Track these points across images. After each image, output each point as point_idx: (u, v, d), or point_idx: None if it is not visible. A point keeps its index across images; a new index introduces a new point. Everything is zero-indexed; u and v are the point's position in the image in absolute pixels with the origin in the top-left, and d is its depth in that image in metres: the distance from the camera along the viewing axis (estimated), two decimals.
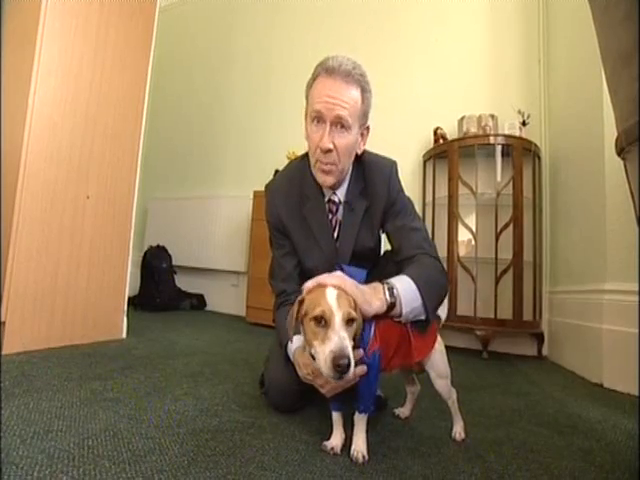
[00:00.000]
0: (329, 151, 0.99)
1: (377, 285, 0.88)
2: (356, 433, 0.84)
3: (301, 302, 0.80)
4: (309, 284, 0.83)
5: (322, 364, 0.71)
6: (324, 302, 0.74)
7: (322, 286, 0.79)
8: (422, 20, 2.83)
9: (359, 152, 1.09)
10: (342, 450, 0.85)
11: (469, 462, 0.83)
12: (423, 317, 0.91)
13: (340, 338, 0.70)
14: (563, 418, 1.17)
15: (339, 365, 0.68)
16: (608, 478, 0.79)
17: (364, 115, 1.04)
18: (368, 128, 1.10)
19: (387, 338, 0.87)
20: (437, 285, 0.96)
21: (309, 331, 0.77)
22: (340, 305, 0.74)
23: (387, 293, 0.86)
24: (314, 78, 1.03)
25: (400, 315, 0.88)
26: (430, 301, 0.90)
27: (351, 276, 0.86)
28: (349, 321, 0.74)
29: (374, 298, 0.84)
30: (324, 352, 0.71)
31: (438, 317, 1.03)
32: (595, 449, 0.94)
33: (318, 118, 1.00)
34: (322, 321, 0.73)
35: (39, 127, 1.53)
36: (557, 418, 1.17)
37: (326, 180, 1.05)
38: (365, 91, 1.02)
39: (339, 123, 0.98)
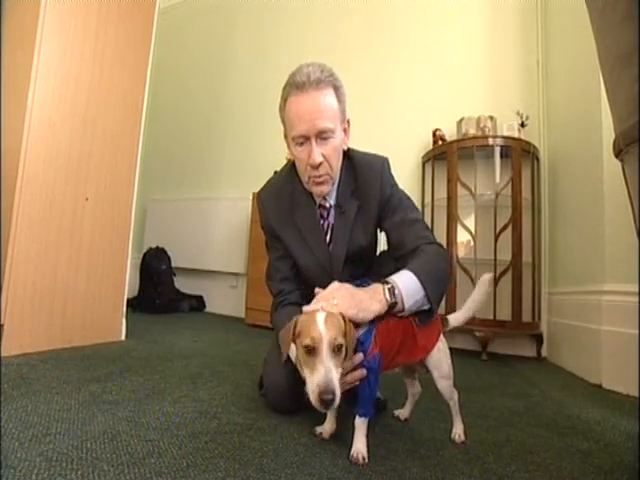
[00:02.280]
0: (320, 164, 1.00)
1: (377, 286, 0.88)
2: (356, 436, 0.84)
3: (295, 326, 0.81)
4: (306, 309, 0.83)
5: (310, 394, 0.73)
6: (313, 329, 0.75)
7: (313, 311, 0.80)
8: (421, 21, 2.84)
9: (345, 147, 1.10)
10: (331, 437, 0.91)
11: (468, 464, 0.83)
12: (427, 307, 0.91)
13: (326, 370, 0.71)
14: (562, 419, 1.17)
15: (323, 400, 0.70)
16: (607, 479, 0.79)
17: (342, 112, 1.04)
18: (349, 121, 1.10)
19: (389, 339, 0.87)
20: (439, 272, 0.96)
21: (300, 356, 0.78)
22: (328, 329, 0.74)
23: (387, 293, 0.86)
24: (285, 99, 1.02)
25: (403, 310, 0.88)
26: (433, 291, 0.90)
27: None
28: (336, 348, 0.74)
29: (373, 301, 0.84)
30: (312, 383, 0.72)
31: (446, 320, 1.03)
32: (594, 450, 0.94)
33: (302, 139, 1.00)
34: (311, 350, 0.74)
35: (38, 128, 1.53)
36: (556, 419, 1.17)
37: (323, 190, 1.06)
38: (337, 88, 1.02)
39: (323, 134, 0.99)
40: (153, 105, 3.46)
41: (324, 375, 0.71)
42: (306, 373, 0.76)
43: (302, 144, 1.01)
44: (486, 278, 1.04)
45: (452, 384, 0.97)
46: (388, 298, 0.85)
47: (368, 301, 0.84)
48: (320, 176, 1.02)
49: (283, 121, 1.07)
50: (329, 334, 0.74)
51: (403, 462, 0.82)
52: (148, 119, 2.16)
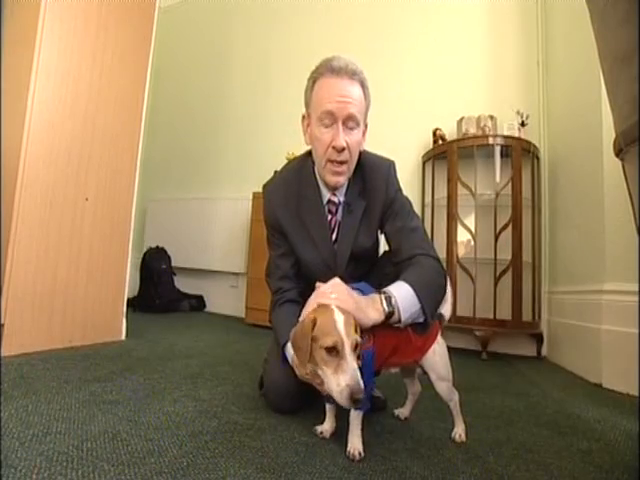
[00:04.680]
0: (343, 149, 0.99)
1: (374, 296, 0.88)
2: (351, 431, 0.85)
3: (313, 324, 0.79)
4: (310, 305, 0.83)
5: (337, 394, 0.73)
6: (335, 331, 0.75)
7: (326, 307, 0.80)
8: (421, 21, 2.84)
9: (361, 149, 1.10)
10: (332, 436, 0.92)
11: (468, 463, 0.83)
12: (422, 320, 0.91)
13: (354, 370, 0.72)
14: (562, 418, 1.17)
15: (356, 399, 0.70)
16: (607, 478, 0.79)
17: (366, 113, 1.06)
18: (367, 125, 1.11)
19: (383, 339, 0.88)
20: (435, 287, 0.96)
21: (319, 357, 0.77)
22: (348, 333, 0.75)
23: (385, 303, 0.86)
24: (314, 80, 1.03)
25: (399, 321, 0.88)
26: (428, 304, 0.91)
27: (363, 293, 0.89)
28: (355, 346, 0.76)
29: (371, 309, 0.85)
30: (339, 384, 0.73)
31: (441, 316, 1.03)
32: (594, 449, 0.94)
33: (329, 118, 0.99)
34: (334, 351, 0.74)
35: (38, 129, 1.52)
36: (556, 418, 1.17)
37: (338, 181, 1.05)
38: (366, 88, 1.04)
39: (350, 121, 0.99)
40: (153, 105, 3.46)
41: (353, 375, 0.72)
42: (327, 372, 0.75)
43: (327, 125, 1.00)
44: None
45: (451, 385, 0.97)
46: (385, 308, 0.86)
47: (367, 308, 0.84)
48: (340, 163, 1.02)
49: (307, 102, 1.06)
50: (350, 334, 0.75)
51: (403, 461, 0.82)
52: (148, 119, 2.16)
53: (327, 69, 1.00)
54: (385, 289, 0.90)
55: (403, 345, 0.91)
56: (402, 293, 0.89)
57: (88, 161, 1.73)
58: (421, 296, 0.89)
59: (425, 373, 0.97)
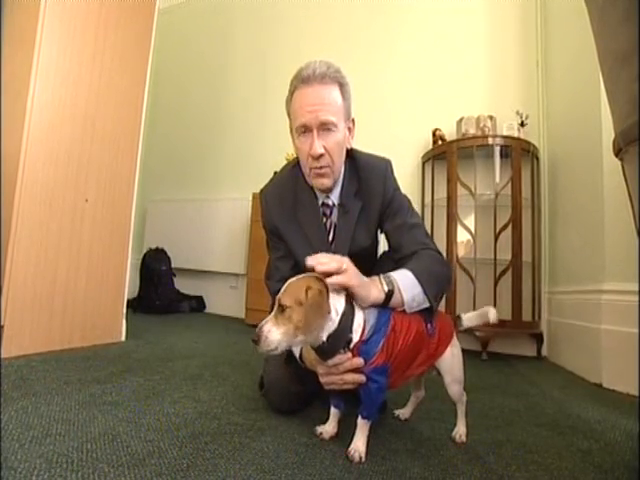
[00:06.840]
0: (321, 155, 1.00)
1: (374, 277, 0.90)
2: (357, 435, 0.84)
3: None
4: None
5: None
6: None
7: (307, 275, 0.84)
8: (421, 21, 2.83)
9: (349, 147, 1.10)
10: (331, 438, 0.92)
11: (469, 463, 0.83)
12: (427, 305, 0.91)
13: (264, 321, 0.80)
14: (562, 418, 1.17)
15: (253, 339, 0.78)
16: (607, 478, 0.79)
17: (347, 110, 1.05)
18: (353, 121, 1.10)
19: (401, 355, 0.86)
20: (435, 273, 0.97)
21: None
22: (282, 294, 0.82)
23: (383, 282, 0.88)
24: (291, 93, 1.03)
25: (403, 304, 0.89)
26: (430, 288, 0.91)
27: None
28: (280, 307, 0.80)
29: (372, 287, 0.87)
30: None
31: (459, 318, 1.03)
32: (594, 449, 0.94)
33: (304, 130, 1.00)
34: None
35: (38, 130, 1.53)
36: (556, 418, 1.17)
37: (323, 183, 1.05)
38: (343, 85, 1.02)
39: (325, 127, 0.99)
40: (153, 106, 3.47)
41: (261, 323, 0.80)
42: None
43: (305, 135, 1.01)
44: (493, 313, 1.02)
45: (462, 388, 0.97)
46: (385, 287, 0.87)
47: (369, 286, 0.86)
48: (321, 167, 1.02)
49: (289, 114, 1.08)
50: (282, 295, 0.81)
51: (403, 462, 0.82)
52: (148, 120, 2.16)
53: (299, 80, 1.00)
54: (385, 274, 0.92)
55: (422, 356, 0.91)
56: (401, 275, 0.91)
57: (88, 162, 1.73)
58: (421, 278, 0.90)
59: (439, 374, 0.96)
